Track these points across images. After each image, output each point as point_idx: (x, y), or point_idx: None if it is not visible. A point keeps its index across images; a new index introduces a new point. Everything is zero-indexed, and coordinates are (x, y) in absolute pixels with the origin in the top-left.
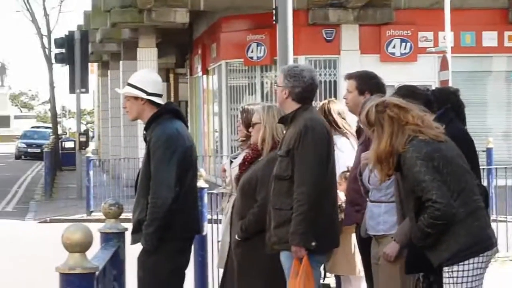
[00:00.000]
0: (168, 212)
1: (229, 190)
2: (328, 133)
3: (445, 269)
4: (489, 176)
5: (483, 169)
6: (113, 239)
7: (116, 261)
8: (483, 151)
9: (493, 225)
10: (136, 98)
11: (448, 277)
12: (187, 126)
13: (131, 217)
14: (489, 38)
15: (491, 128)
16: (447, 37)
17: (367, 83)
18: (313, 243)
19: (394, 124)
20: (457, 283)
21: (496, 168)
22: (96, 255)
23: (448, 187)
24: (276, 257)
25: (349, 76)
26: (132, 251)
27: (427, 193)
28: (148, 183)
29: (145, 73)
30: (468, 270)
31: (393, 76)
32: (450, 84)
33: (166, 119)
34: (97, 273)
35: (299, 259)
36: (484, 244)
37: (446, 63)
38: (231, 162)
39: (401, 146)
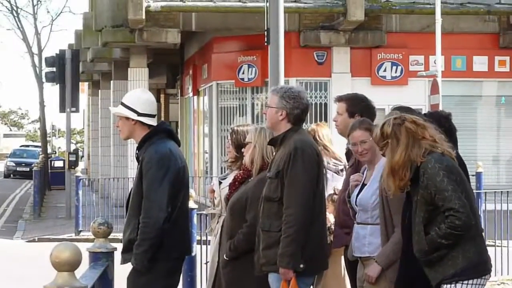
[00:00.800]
0: (159, 232)
1: (218, 211)
2: (318, 155)
3: (446, 287)
4: (479, 200)
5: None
6: (102, 258)
7: (105, 281)
8: (473, 175)
9: None
10: (127, 118)
11: None
12: (180, 146)
13: (120, 237)
14: (480, 63)
15: (480, 152)
16: (438, 61)
17: (357, 106)
18: (301, 265)
19: (410, 137)
20: None
21: (486, 192)
22: (84, 274)
23: None
24: (264, 278)
25: (339, 99)
26: (121, 271)
27: (449, 202)
28: (140, 203)
29: (138, 93)
30: (475, 284)
31: (384, 99)
32: (440, 108)
33: (159, 139)
34: None
35: (287, 281)
36: (486, 266)
37: (437, 87)
38: (220, 183)
39: (418, 157)
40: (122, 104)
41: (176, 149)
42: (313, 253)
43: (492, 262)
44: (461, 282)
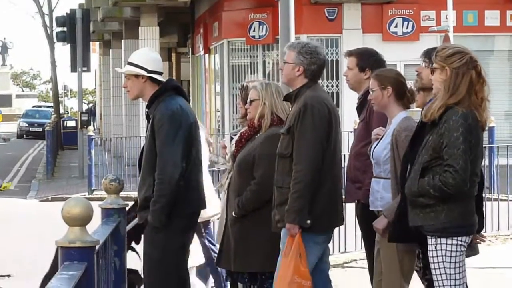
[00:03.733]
0: (175, 188)
1: (229, 167)
2: (329, 112)
3: (431, 240)
4: (491, 155)
5: (485, 147)
6: (113, 214)
7: (117, 237)
8: (485, 130)
9: (495, 204)
10: (137, 76)
11: (435, 250)
12: (189, 103)
13: (133, 195)
14: (492, 17)
15: (493, 107)
16: (449, 16)
17: (368, 60)
18: (308, 221)
19: (466, 86)
20: (445, 255)
21: (498, 147)
22: (96, 230)
23: None
24: (273, 235)
25: (350, 53)
26: None
27: (454, 159)
28: (154, 161)
29: (145, 51)
30: (456, 244)
31: (396, 55)
32: None
33: (168, 96)
34: (97, 247)
35: (293, 236)
36: (469, 228)
37: (449, 42)
38: (231, 138)
39: (454, 103)
40: (130, 63)
41: (186, 105)
42: (323, 210)
43: (505, 216)
44: (443, 237)
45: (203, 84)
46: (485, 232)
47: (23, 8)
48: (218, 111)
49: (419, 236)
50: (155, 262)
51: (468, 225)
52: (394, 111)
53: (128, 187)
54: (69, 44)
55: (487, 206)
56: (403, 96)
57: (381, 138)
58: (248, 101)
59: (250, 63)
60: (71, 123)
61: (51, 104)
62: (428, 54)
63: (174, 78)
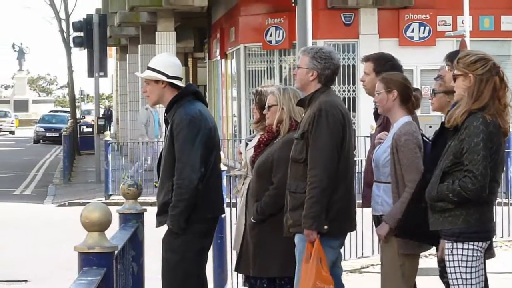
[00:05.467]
0: (194, 193)
1: (244, 172)
2: (344, 117)
3: (445, 243)
4: (508, 160)
5: None
6: (132, 219)
7: (135, 242)
8: None
9: None
10: (156, 81)
11: (451, 254)
12: (207, 107)
13: (150, 200)
14: (508, 22)
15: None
16: (465, 21)
17: (384, 65)
18: (325, 227)
19: (490, 92)
20: (461, 260)
21: None
22: (114, 235)
23: None
24: (292, 240)
25: (366, 59)
26: (151, 233)
27: (474, 165)
28: (172, 165)
29: (165, 57)
30: (472, 249)
31: (412, 60)
32: None
33: (187, 101)
34: (116, 252)
35: (312, 242)
36: (486, 234)
37: (465, 47)
38: (246, 144)
39: (477, 108)
40: (150, 68)
41: (205, 110)
42: (338, 215)
43: None
44: (459, 242)
45: (219, 89)
46: (502, 237)
47: (40, 13)
48: (235, 116)
49: (430, 236)
50: (173, 267)
51: (486, 231)
52: (398, 115)
53: (145, 192)
54: (86, 49)
55: (504, 211)
56: (408, 101)
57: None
58: (266, 106)
59: (267, 68)
60: (87, 128)
61: (68, 109)
62: (451, 57)
63: (191, 82)
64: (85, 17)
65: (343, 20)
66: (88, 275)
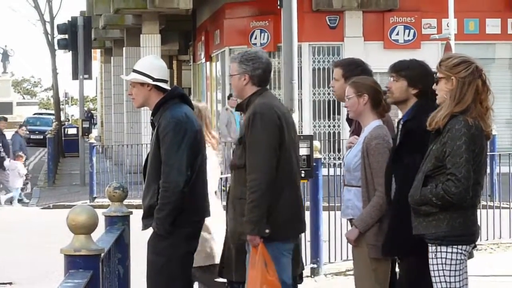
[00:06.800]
0: (180, 195)
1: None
2: (280, 118)
3: (432, 248)
4: (493, 163)
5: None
6: (117, 222)
7: (121, 245)
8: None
9: (496, 212)
10: (142, 84)
11: (435, 258)
12: (193, 110)
13: (135, 203)
14: (493, 25)
15: (494, 115)
16: (450, 24)
17: (354, 71)
18: (267, 230)
19: (472, 95)
20: (445, 263)
21: (500, 155)
22: (101, 238)
23: None
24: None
25: (336, 64)
26: (137, 236)
27: (456, 168)
28: (158, 168)
29: (151, 59)
30: (456, 253)
31: None
32: None
33: (173, 104)
34: (102, 255)
35: (256, 247)
36: (471, 237)
37: (450, 50)
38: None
39: (460, 111)
40: (135, 71)
41: (191, 113)
42: (284, 218)
43: (507, 224)
44: (443, 245)
45: (204, 92)
46: (487, 240)
47: (24, 15)
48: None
49: (412, 249)
50: (159, 270)
51: (470, 234)
52: (369, 119)
53: (130, 195)
54: (70, 52)
55: (489, 214)
56: (379, 105)
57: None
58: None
59: None
60: (72, 131)
61: (52, 112)
62: (395, 68)
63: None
64: (70, 20)
65: (328, 23)
66: (75, 277)
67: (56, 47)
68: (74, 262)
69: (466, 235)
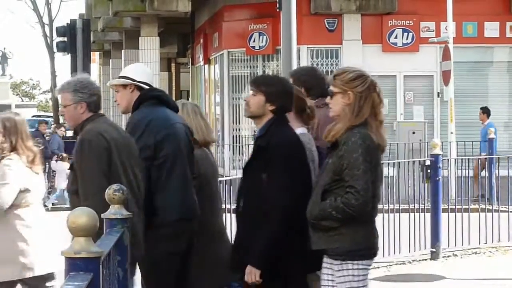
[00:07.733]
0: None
1: None
2: (108, 142)
3: (334, 262)
4: (491, 166)
5: (486, 158)
6: (117, 224)
7: (120, 247)
8: (485, 141)
9: (495, 215)
10: (124, 87)
11: (342, 275)
12: (177, 111)
13: None
14: (491, 29)
15: (492, 119)
16: (449, 28)
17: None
18: None
19: (369, 109)
20: (352, 280)
21: (498, 158)
22: (100, 241)
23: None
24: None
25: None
26: None
27: (355, 180)
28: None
29: (135, 64)
30: (361, 268)
31: (395, 66)
32: (452, 75)
33: (147, 106)
34: (102, 258)
35: None
36: (372, 251)
37: (449, 53)
38: None
39: (358, 125)
40: (119, 77)
41: (170, 113)
42: None
43: (506, 227)
44: (348, 261)
45: (202, 95)
46: (486, 243)
47: (23, 18)
48: (218, 119)
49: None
50: (145, 275)
51: (372, 248)
52: (293, 126)
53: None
54: (69, 54)
55: (488, 217)
56: (303, 112)
57: None
58: None
59: (250, 73)
60: (70, 133)
61: (51, 114)
62: (256, 83)
63: (173, 88)
64: (69, 22)
65: (327, 26)
66: (75, 280)
67: (55, 49)
68: (74, 265)
69: (370, 248)
